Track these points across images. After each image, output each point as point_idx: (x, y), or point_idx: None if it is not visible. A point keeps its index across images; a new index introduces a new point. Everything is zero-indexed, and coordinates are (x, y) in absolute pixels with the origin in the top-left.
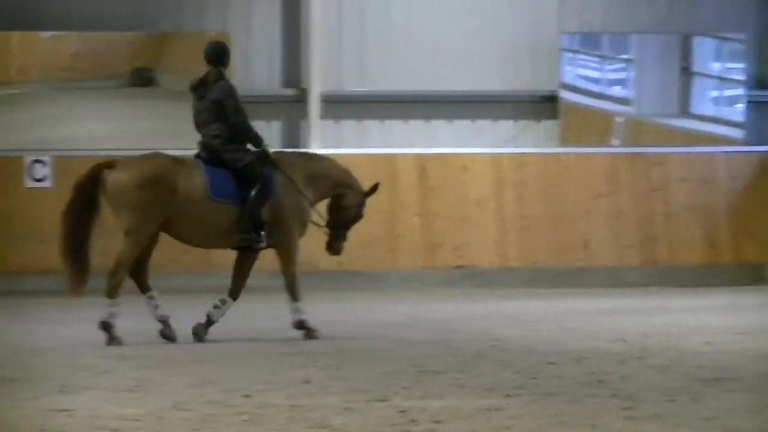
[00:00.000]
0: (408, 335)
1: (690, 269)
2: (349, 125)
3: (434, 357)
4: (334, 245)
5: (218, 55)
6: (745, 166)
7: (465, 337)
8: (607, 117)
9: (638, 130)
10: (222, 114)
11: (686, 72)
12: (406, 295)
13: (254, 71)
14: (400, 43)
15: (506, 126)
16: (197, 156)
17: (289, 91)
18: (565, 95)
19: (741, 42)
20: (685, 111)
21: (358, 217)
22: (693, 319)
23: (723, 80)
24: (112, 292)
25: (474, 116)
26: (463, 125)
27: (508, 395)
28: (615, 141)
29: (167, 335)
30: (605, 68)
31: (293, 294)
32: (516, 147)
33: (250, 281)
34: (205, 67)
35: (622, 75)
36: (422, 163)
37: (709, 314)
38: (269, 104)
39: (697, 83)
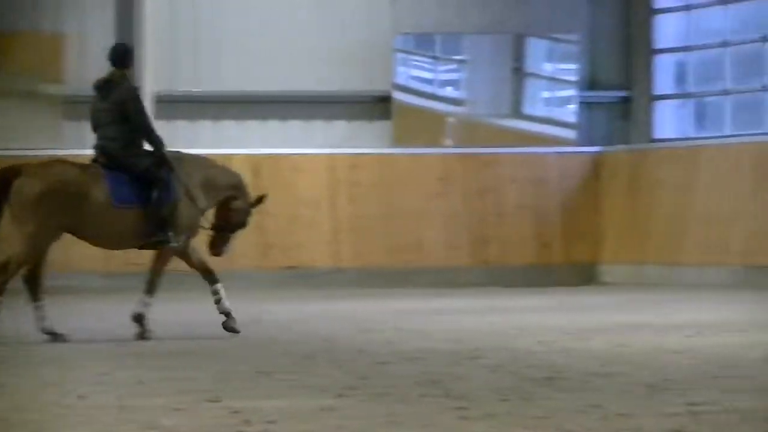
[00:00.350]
0: (240, 336)
1: (522, 269)
2: (182, 125)
3: (267, 357)
4: (217, 246)
5: (122, 56)
6: (576, 167)
7: (297, 338)
8: (439, 118)
9: (471, 131)
10: (123, 116)
11: (518, 73)
12: (239, 296)
13: (89, 72)
14: (233, 44)
15: (340, 126)
16: (94, 161)
17: None
18: (399, 96)
19: (573, 43)
20: (517, 112)
21: (241, 223)
22: (525, 319)
23: (555, 81)
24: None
25: (307, 117)
26: (296, 125)
27: (341, 395)
28: (448, 141)
29: (57, 341)
30: (438, 69)
31: (150, 288)
32: (350, 147)
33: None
34: (105, 67)
35: (454, 76)
36: (255, 163)
37: (540, 314)
38: None
39: (530, 84)
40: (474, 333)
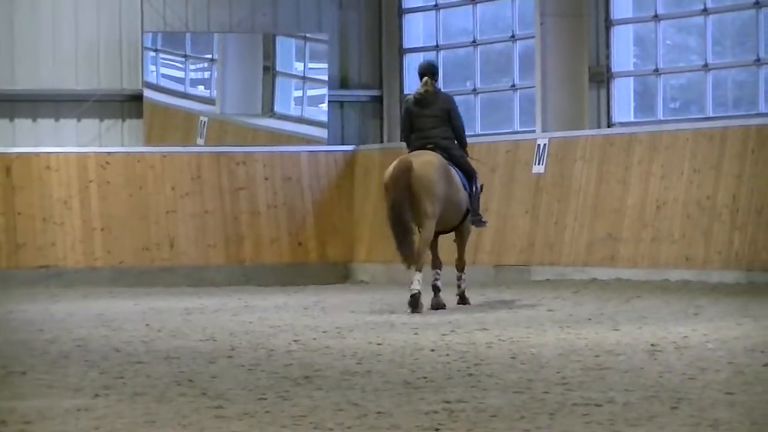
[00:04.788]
0: None
1: (276, 268)
2: None
3: (20, 358)
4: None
5: (435, 71)
6: (329, 166)
7: (50, 338)
8: (191, 116)
9: (222, 130)
10: (447, 119)
11: (269, 72)
12: None
13: None
14: None
15: (91, 125)
16: None
17: None
18: (150, 94)
19: (322, 42)
20: (268, 111)
21: None
22: (281, 318)
23: (306, 80)
24: (420, 264)
25: (58, 115)
26: (47, 124)
27: (96, 395)
28: (199, 140)
29: (437, 304)
30: (188, 68)
31: (463, 263)
32: (101, 146)
33: None
34: None
35: (205, 74)
36: (6, 162)
37: (296, 313)
38: None
39: (281, 83)
40: (229, 332)
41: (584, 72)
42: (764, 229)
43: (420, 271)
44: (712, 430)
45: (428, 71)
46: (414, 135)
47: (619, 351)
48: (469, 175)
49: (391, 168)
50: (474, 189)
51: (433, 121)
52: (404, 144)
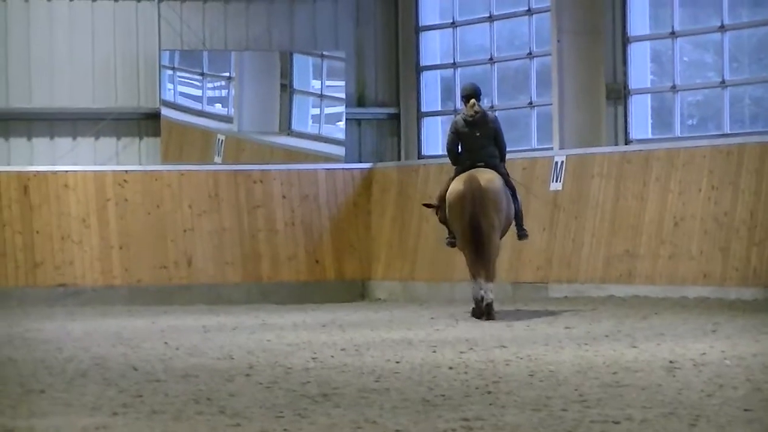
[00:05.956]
0: (10, 354)
1: (293, 286)
2: None
3: (37, 376)
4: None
5: (479, 92)
6: (346, 184)
7: (68, 356)
8: (208, 134)
9: (239, 148)
10: (494, 138)
11: (286, 89)
12: (8, 314)
13: None
14: None
15: (109, 143)
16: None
17: None
18: (167, 112)
19: (340, 60)
20: (285, 128)
21: None
22: (298, 336)
23: (323, 98)
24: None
25: (75, 134)
26: (64, 143)
27: (114, 413)
28: (216, 158)
29: (476, 313)
30: (206, 86)
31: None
32: (118, 164)
33: None
34: None
35: (222, 92)
36: (23, 181)
37: (313, 330)
38: None
39: (298, 101)
40: (247, 350)
41: (601, 89)
42: None
43: (492, 281)
44: None
45: (474, 94)
46: (464, 154)
47: (636, 368)
48: (512, 190)
49: (459, 186)
50: (516, 204)
51: (483, 141)
52: (450, 161)
